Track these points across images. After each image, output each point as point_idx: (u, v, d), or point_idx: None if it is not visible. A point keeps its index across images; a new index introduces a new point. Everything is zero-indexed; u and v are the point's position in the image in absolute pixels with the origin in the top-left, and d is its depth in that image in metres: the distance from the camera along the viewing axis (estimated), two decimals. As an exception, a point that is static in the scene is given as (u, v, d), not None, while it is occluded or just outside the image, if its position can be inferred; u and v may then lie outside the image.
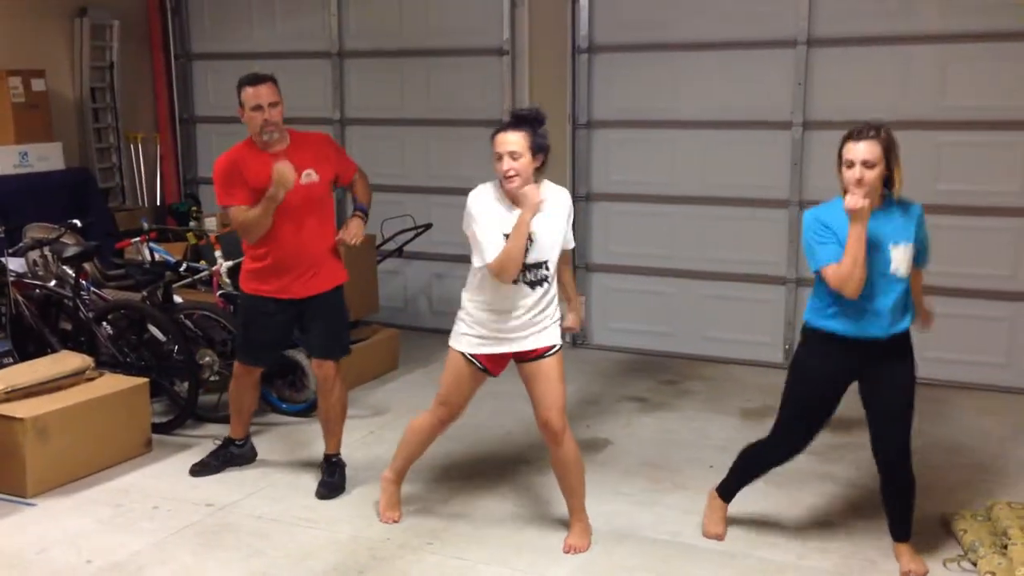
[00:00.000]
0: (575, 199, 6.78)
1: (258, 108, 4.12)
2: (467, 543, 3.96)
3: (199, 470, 4.64)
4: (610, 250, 6.81)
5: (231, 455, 4.71)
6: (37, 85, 6.86)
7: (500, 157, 3.59)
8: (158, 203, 7.98)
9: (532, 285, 3.69)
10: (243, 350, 4.53)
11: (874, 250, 3.43)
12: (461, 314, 3.83)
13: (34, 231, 5.84)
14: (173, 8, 7.96)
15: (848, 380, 3.67)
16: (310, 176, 4.17)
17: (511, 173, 3.57)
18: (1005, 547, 3.68)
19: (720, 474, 4.07)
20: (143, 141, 7.93)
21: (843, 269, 3.38)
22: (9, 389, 4.52)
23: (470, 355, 3.81)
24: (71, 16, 7.41)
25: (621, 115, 6.63)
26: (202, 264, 5.77)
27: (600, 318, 6.93)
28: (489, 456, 4.89)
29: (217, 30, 7.92)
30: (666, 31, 6.40)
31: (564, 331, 3.82)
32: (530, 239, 3.62)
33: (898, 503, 3.71)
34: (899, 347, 3.61)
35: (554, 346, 3.77)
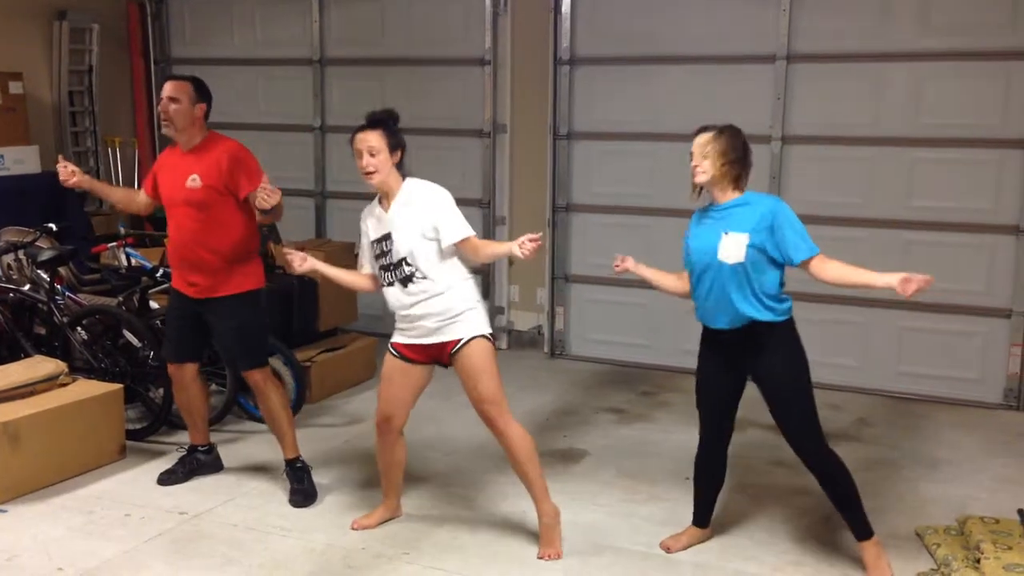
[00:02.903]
0: (555, 209, 6.88)
1: (161, 100, 4.32)
2: (443, 552, 3.95)
3: (166, 478, 4.61)
4: (589, 261, 6.83)
5: (197, 462, 4.68)
6: (15, 88, 6.82)
7: (359, 155, 3.76)
8: (135, 208, 7.93)
9: (403, 283, 3.81)
10: (165, 346, 4.65)
11: (708, 239, 3.62)
12: None
13: (9, 234, 5.80)
14: (153, 13, 7.93)
15: (724, 371, 3.78)
16: (194, 181, 4.24)
17: (369, 169, 3.75)
18: (978, 561, 3.71)
19: (696, 486, 4.08)
20: (121, 145, 7.88)
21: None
22: (-19, 394, 4.48)
23: (391, 344, 3.98)
24: (50, 19, 7.37)
25: (602, 127, 6.66)
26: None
27: (578, 329, 6.95)
28: (464, 466, 4.88)
29: (197, 36, 7.90)
30: (647, 44, 6.43)
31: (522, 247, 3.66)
32: (390, 240, 3.79)
33: (839, 500, 3.73)
34: (767, 339, 3.64)
35: (460, 339, 3.80)
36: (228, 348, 4.48)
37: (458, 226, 3.78)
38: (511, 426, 3.83)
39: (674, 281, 3.97)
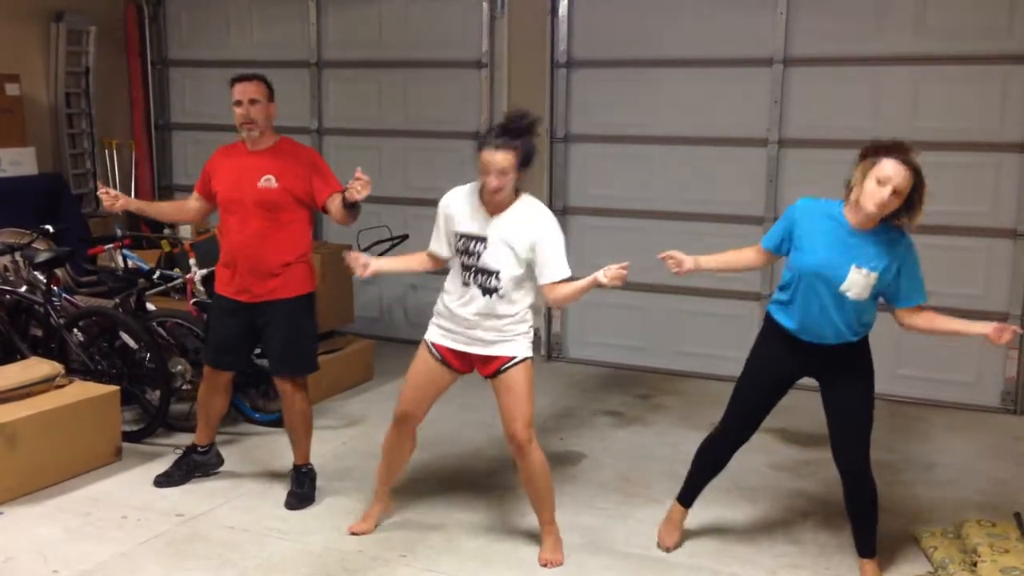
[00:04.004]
0: (551, 212, 6.83)
1: (238, 104, 4.23)
2: (440, 555, 3.94)
3: (163, 481, 4.59)
4: (587, 264, 6.79)
5: (194, 463, 4.66)
6: (11, 90, 6.81)
7: (486, 174, 3.61)
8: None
9: (483, 291, 3.74)
10: (206, 350, 4.58)
11: (836, 264, 3.44)
12: (435, 308, 3.92)
13: (5, 236, 5.79)
14: (151, 15, 7.92)
15: (789, 377, 3.70)
16: (268, 181, 4.20)
17: (496, 189, 3.63)
18: (975, 564, 3.71)
19: (693, 488, 4.08)
20: (118, 147, 7.87)
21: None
22: (-23, 395, 4.47)
23: (431, 343, 3.88)
24: (47, 21, 7.36)
25: (599, 130, 6.66)
26: (176, 272, 5.73)
27: (576, 332, 6.94)
28: (463, 469, 4.88)
29: (194, 37, 7.89)
30: (644, 48, 6.44)
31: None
32: (484, 245, 3.70)
33: (859, 515, 3.73)
34: (849, 358, 3.60)
35: (514, 358, 3.79)
36: (276, 354, 4.35)
37: (559, 266, 3.74)
38: (537, 450, 3.83)
39: (751, 258, 3.76)
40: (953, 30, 5.72)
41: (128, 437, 5.02)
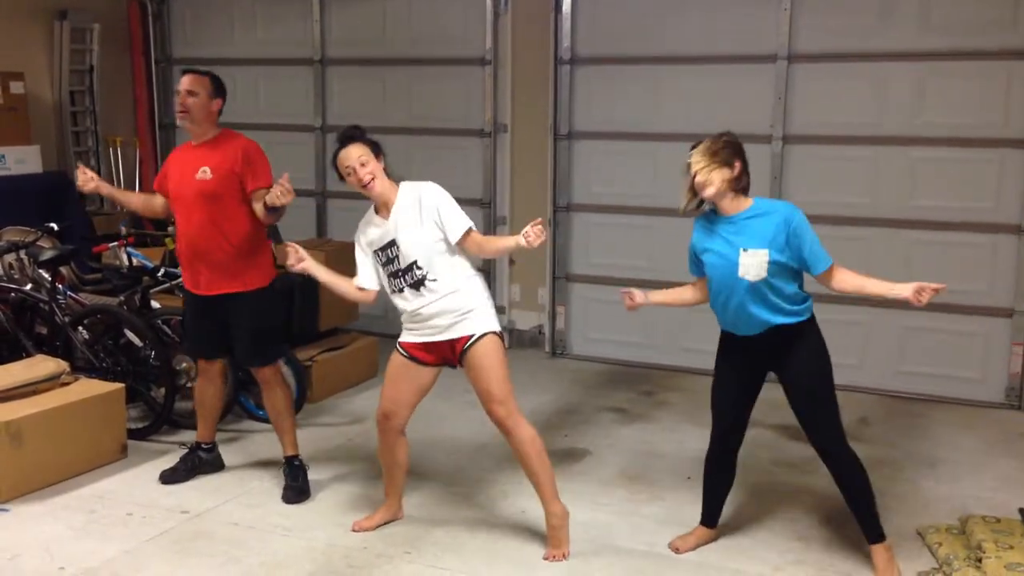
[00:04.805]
0: (556, 209, 6.88)
1: (177, 93, 4.38)
2: (444, 552, 3.95)
3: (169, 477, 4.61)
4: (590, 261, 6.83)
5: (199, 460, 4.68)
6: (16, 88, 6.83)
7: (351, 171, 3.77)
8: (136, 208, 7.93)
9: (415, 287, 3.78)
10: (186, 343, 4.69)
11: (725, 256, 3.57)
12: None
13: (10, 234, 5.80)
14: (154, 13, 7.93)
15: (746, 373, 3.75)
16: (204, 173, 4.27)
17: (368, 178, 3.76)
18: (979, 560, 3.71)
19: (697, 485, 4.08)
20: (122, 145, 7.89)
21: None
22: (-18, 393, 4.48)
23: (399, 343, 3.96)
24: (51, 19, 7.38)
25: (602, 126, 6.66)
26: (179, 270, 5.72)
27: (580, 328, 6.95)
28: (466, 465, 4.88)
29: (198, 35, 7.90)
30: (648, 44, 6.44)
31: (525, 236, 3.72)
32: (395, 246, 3.77)
33: (853, 499, 3.73)
34: (794, 340, 3.63)
35: (471, 335, 3.78)
36: (243, 344, 4.44)
37: (459, 220, 3.79)
38: (521, 426, 3.81)
39: (691, 293, 3.93)
40: (957, 26, 5.70)
41: (133, 434, 5.03)
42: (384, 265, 3.86)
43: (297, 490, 4.43)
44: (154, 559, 3.87)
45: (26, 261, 5.63)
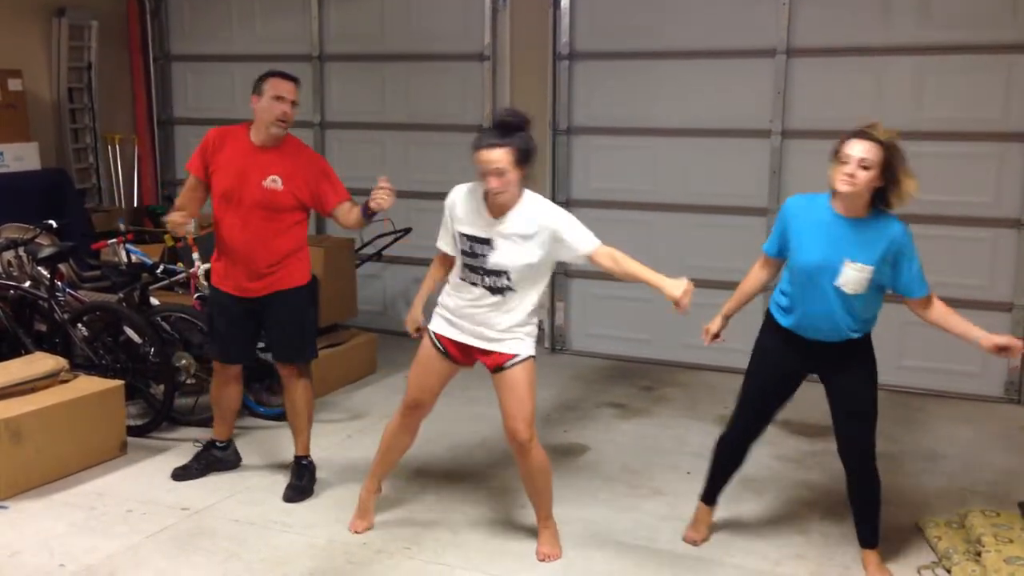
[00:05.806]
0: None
1: (280, 99, 4.20)
2: (444, 548, 3.95)
3: (181, 474, 4.60)
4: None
5: (213, 458, 4.66)
6: (14, 85, 6.81)
7: (485, 174, 3.56)
8: (135, 204, 7.93)
9: (492, 291, 3.68)
10: (211, 344, 4.58)
11: (826, 257, 3.44)
12: (439, 299, 3.89)
13: (9, 231, 5.80)
14: (152, 9, 7.92)
15: (794, 373, 3.70)
16: (274, 182, 4.16)
17: (497, 191, 3.57)
18: (979, 554, 3.71)
19: (697, 480, 4.09)
20: (121, 142, 7.87)
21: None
22: (-18, 390, 4.48)
23: (435, 334, 3.84)
24: (49, 16, 7.36)
25: (601, 122, 6.65)
26: (179, 266, 5.73)
27: (579, 324, 6.95)
28: (466, 462, 4.89)
29: (196, 32, 7.89)
30: (647, 39, 6.43)
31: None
32: (489, 246, 3.63)
33: (862, 506, 3.73)
34: (850, 354, 3.59)
35: (517, 355, 3.76)
36: (284, 341, 4.37)
37: (588, 239, 3.69)
38: (538, 449, 3.81)
39: (756, 284, 3.82)
40: (957, 20, 5.70)
41: (133, 431, 5.03)
42: (466, 253, 3.71)
43: (300, 489, 4.42)
44: (154, 555, 3.87)
45: (25, 258, 5.62)
